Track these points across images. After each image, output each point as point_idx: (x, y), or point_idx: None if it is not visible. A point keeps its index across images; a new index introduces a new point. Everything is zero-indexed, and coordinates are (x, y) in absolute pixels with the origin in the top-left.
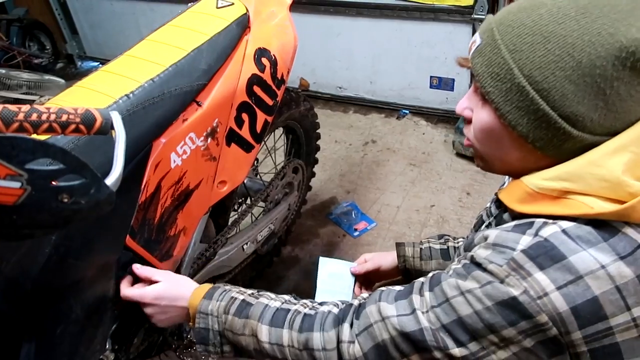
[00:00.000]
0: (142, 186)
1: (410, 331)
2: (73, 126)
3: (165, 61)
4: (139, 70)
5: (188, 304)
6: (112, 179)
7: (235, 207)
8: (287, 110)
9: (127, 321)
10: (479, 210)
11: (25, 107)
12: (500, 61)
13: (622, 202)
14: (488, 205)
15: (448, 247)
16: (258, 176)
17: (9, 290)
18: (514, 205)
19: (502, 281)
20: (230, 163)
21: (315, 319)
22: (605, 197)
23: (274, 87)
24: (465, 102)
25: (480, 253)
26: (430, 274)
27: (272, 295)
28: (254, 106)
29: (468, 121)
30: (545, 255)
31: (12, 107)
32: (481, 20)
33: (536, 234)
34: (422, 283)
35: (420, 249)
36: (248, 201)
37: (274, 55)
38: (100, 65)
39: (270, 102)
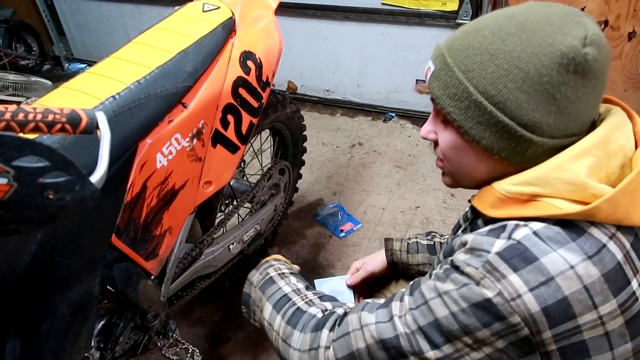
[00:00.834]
0: (128, 186)
1: (387, 338)
2: (59, 126)
3: (151, 63)
4: (126, 72)
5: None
6: (96, 176)
7: (222, 208)
8: (274, 113)
9: (113, 319)
10: (463, 211)
11: (12, 107)
12: (455, 82)
13: (587, 204)
14: (467, 209)
15: (434, 242)
16: (245, 178)
17: None
18: (487, 211)
19: (477, 283)
20: (216, 164)
21: (302, 318)
22: (571, 199)
23: (259, 89)
24: (428, 127)
25: (459, 257)
26: (411, 282)
27: (294, 280)
28: (240, 108)
29: (435, 144)
30: (519, 257)
31: None
32: None
33: (509, 237)
34: (404, 291)
35: (408, 243)
36: (235, 202)
37: (259, 58)
38: (88, 67)
39: (255, 104)
